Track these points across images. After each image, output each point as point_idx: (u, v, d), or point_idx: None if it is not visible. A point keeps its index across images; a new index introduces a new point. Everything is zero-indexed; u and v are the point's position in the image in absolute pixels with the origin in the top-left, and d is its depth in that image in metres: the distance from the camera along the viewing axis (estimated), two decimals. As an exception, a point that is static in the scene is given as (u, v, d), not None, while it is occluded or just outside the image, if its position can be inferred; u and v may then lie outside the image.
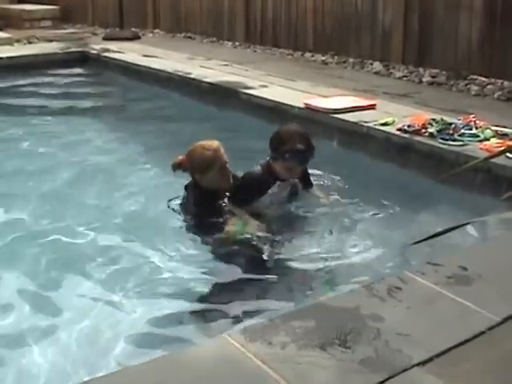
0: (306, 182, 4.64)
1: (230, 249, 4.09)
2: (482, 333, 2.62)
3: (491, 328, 2.65)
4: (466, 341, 2.57)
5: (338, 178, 5.12)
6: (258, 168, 4.38)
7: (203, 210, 4.15)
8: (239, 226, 4.15)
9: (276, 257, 4.05)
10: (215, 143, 4.15)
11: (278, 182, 4.37)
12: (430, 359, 2.45)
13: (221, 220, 4.19)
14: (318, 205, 4.58)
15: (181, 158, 4.22)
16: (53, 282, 3.86)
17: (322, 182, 4.93)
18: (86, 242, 4.33)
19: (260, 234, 4.14)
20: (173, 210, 4.35)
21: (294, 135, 4.30)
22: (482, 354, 2.53)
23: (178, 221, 4.29)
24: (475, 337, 2.60)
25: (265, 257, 4.02)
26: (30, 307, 3.59)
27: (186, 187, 4.26)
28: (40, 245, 4.28)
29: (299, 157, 4.27)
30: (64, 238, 4.37)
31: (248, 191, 4.31)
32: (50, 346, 3.23)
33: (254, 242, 4.11)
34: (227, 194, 4.33)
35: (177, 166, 4.22)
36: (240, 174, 4.42)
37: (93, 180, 5.44)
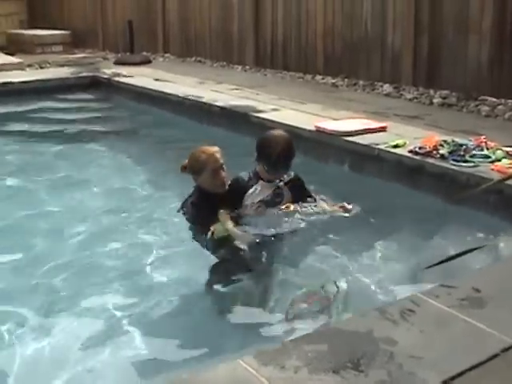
0: (302, 195, 4.60)
1: (230, 257, 4.23)
2: (497, 355, 2.61)
3: (505, 350, 2.64)
4: (480, 363, 2.55)
5: (350, 200, 5.11)
6: (245, 174, 4.52)
7: (199, 210, 4.35)
8: (219, 227, 4.25)
9: (286, 278, 4.06)
10: (213, 148, 4.37)
11: (260, 181, 4.46)
12: (444, 383, 2.44)
13: (211, 221, 4.30)
14: (326, 222, 4.56)
15: (187, 160, 4.49)
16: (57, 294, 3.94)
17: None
18: (90, 254, 4.49)
19: (248, 246, 4.22)
20: (181, 212, 4.55)
21: (279, 141, 4.43)
22: (497, 376, 2.51)
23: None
24: (489, 359, 2.58)
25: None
26: (34, 323, 3.62)
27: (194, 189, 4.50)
28: (50, 256, 4.42)
29: (283, 163, 4.41)
30: (71, 249, 4.55)
31: (235, 196, 4.42)
32: (63, 364, 3.24)
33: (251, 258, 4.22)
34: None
35: (183, 168, 4.47)
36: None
37: (103, 203, 5.47)
